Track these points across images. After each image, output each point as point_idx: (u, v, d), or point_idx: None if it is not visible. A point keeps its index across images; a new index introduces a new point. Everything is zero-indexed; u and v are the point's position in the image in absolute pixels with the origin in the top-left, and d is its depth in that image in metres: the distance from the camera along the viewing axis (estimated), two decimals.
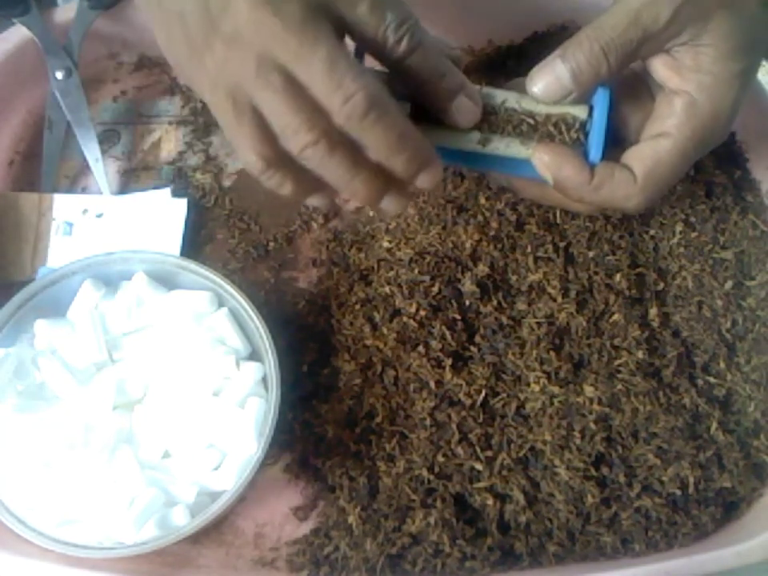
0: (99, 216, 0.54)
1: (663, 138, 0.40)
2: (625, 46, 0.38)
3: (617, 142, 0.42)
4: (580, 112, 0.40)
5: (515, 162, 0.41)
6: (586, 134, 0.40)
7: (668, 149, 0.39)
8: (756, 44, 0.39)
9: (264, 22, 0.34)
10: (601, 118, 0.39)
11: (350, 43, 0.37)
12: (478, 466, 0.45)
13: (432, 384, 0.47)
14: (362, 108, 0.34)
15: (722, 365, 0.48)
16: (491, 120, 0.40)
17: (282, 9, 0.34)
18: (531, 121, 0.40)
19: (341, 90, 0.34)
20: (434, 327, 0.48)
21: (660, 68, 0.40)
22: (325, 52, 0.34)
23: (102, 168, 0.55)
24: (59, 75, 0.56)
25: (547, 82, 0.39)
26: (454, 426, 0.46)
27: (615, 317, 0.48)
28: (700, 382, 0.48)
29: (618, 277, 0.49)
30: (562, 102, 0.39)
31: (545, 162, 0.40)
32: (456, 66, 0.39)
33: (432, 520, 0.44)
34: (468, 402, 0.46)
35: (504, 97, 0.40)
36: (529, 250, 0.50)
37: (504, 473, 0.45)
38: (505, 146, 0.40)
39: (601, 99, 0.40)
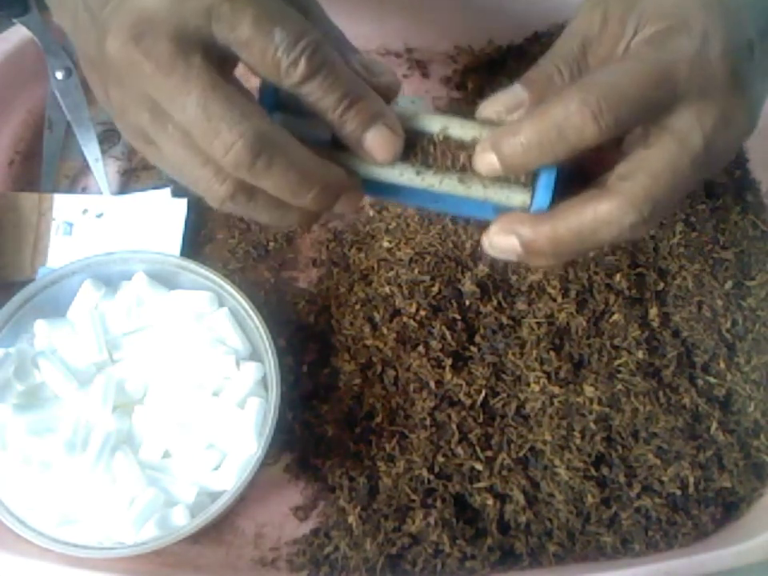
0: (99, 216, 0.54)
1: (647, 148, 0.33)
2: (569, 55, 0.34)
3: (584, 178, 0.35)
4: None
5: (454, 200, 0.35)
6: (534, 178, 0.34)
7: (657, 156, 0.32)
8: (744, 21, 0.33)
9: (136, 64, 0.30)
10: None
11: None
12: (478, 466, 0.45)
13: (432, 384, 0.47)
14: (245, 157, 0.30)
15: (722, 365, 0.48)
16: (425, 150, 0.34)
17: (151, 46, 0.30)
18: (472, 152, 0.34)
19: (218, 139, 0.30)
20: (434, 327, 0.48)
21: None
22: (196, 96, 0.30)
23: (102, 168, 0.55)
24: (59, 75, 0.56)
25: (503, 100, 0.34)
26: (453, 426, 0.46)
27: (615, 317, 0.48)
28: (700, 381, 0.48)
29: (617, 277, 0.49)
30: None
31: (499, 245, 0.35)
32: (389, 89, 0.34)
33: (432, 520, 0.44)
34: (468, 402, 0.46)
35: (443, 123, 0.34)
36: None
37: (504, 473, 0.45)
38: (439, 182, 0.34)
39: None
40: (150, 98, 0.31)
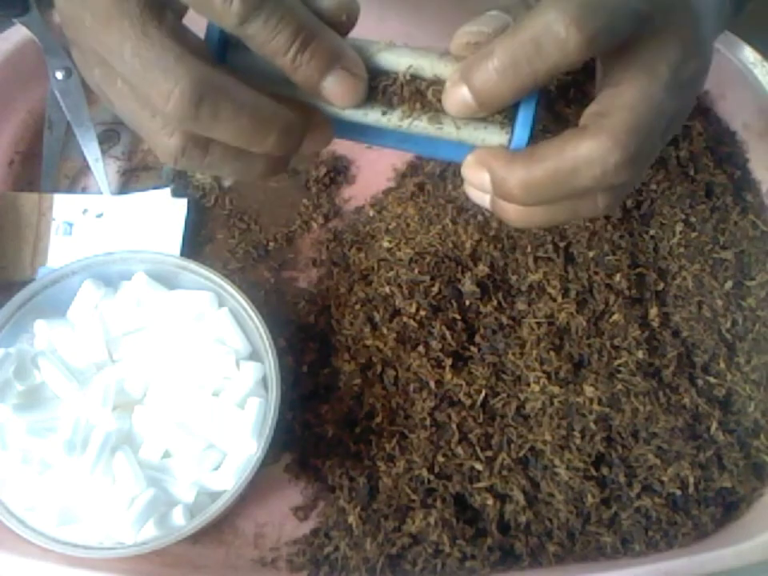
0: (99, 216, 0.54)
1: (617, 84, 0.30)
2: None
3: None
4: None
5: (426, 141, 0.33)
6: (513, 118, 0.32)
7: (629, 89, 0.30)
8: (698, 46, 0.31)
9: (77, 18, 0.29)
10: (531, 97, 0.31)
11: None
12: (478, 466, 0.45)
13: (432, 384, 0.47)
14: (186, 106, 0.28)
15: (722, 365, 0.48)
16: (391, 90, 0.32)
17: None
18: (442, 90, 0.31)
19: (155, 89, 0.28)
20: (434, 327, 0.48)
21: None
22: (130, 45, 0.28)
23: (102, 168, 0.55)
24: (59, 75, 0.56)
25: (484, 21, 0.31)
26: (453, 426, 0.46)
27: (615, 317, 0.48)
28: (700, 382, 0.48)
29: (617, 277, 0.49)
30: None
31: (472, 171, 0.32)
32: (344, 22, 0.31)
33: (432, 520, 0.44)
34: (468, 402, 0.46)
35: (411, 61, 0.32)
36: (529, 250, 0.50)
37: (504, 473, 0.45)
38: (408, 124, 0.32)
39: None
40: (97, 53, 0.29)
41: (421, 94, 0.32)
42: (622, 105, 0.30)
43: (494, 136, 0.32)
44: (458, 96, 0.30)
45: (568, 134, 0.30)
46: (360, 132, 0.33)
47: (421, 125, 0.32)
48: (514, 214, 0.33)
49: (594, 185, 0.30)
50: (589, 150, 0.29)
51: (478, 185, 0.32)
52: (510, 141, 0.32)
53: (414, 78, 0.32)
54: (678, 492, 0.45)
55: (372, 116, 0.32)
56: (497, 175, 0.31)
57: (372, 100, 0.32)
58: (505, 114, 0.32)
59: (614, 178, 0.30)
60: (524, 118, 0.31)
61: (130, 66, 0.28)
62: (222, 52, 0.32)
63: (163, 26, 0.29)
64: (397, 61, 0.32)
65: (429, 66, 0.32)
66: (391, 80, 0.32)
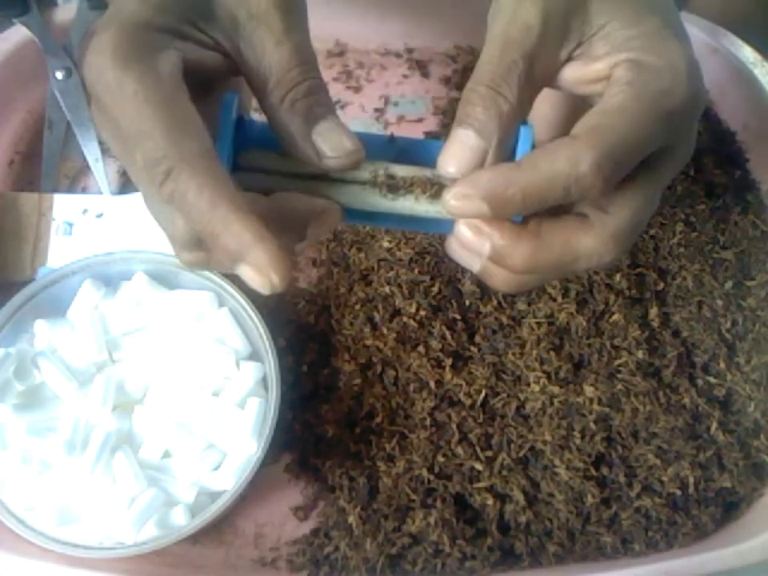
0: (99, 216, 0.54)
1: (604, 100, 0.30)
2: (512, 72, 0.30)
3: None
4: None
5: (430, 222, 0.34)
6: None
7: (619, 102, 0.30)
8: (654, 3, 0.32)
9: (92, 67, 0.30)
10: (524, 150, 0.32)
11: None
12: (478, 466, 0.45)
13: (432, 384, 0.47)
14: (181, 249, 0.31)
15: (722, 365, 0.48)
16: (391, 184, 0.32)
17: (94, 56, 0.29)
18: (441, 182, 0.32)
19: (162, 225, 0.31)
20: (434, 327, 0.48)
21: (575, 73, 0.32)
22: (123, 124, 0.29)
23: (102, 168, 0.55)
24: (59, 75, 0.56)
25: (459, 157, 0.31)
26: (454, 426, 0.46)
27: (615, 317, 0.48)
28: (700, 382, 0.48)
29: (617, 277, 0.49)
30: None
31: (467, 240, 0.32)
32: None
33: (432, 520, 0.44)
34: (468, 402, 0.46)
35: (406, 171, 0.33)
36: None
37: (504, 473, 0.45)
38: (411, 205, 0.32)
39: (522, 137, 0.32)
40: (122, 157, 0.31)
41: (421, 185, 0.32)
42: (627, 207, 0.31)
43: None
44: (472, 206, 0.30)
45: (573, 226, 0.32)
46: (368, 217, 0.34)
47: (422, 203, 0.33)
48: (502, 279, 0.33)
49: (588, 269, 0.33)
50: (592, 247, 0.31)
51: (475, 250, 0.32)
52: None
53: (413, 177, 0.33)
54: (678, 492, 0.45)
55: (382, 204, 0.33)
56: (500, 247, 0.31)
57: (382, 190, 0.33)
58: None
59: (606, 266, 0.33)
60: None
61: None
62: (234, 157, 0.33)
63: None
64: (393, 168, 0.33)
65: (424, 172, 0.33)
66: (392, 177, 0.33)
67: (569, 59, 0.32)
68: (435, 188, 0.32)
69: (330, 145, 0.30)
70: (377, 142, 0.34)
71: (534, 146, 0.32)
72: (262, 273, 0.29)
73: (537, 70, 0.31)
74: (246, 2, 0.30)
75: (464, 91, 0.31)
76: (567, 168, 0.29)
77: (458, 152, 0.31)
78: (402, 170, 0.33)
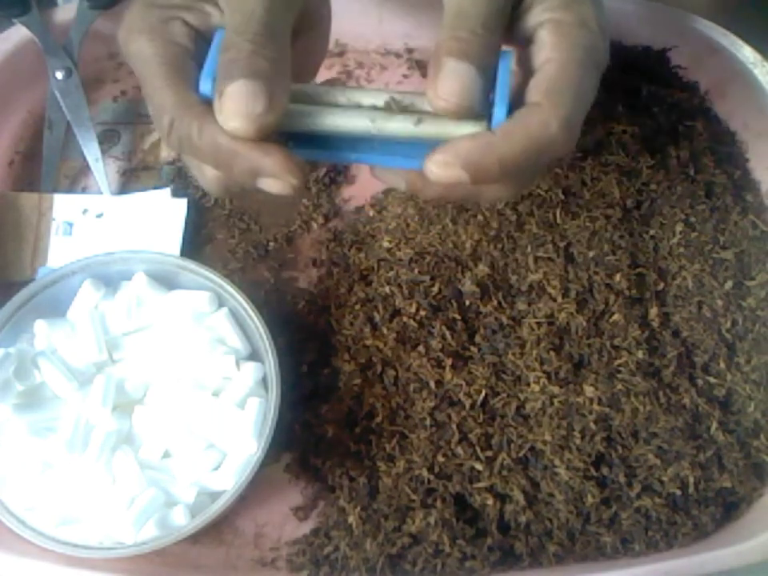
0: (99, 216, 0.54)
1: (547, 63, 0.34)
2: (486, 21, 0.33)
3: None
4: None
5: (391, 145, 0.34)
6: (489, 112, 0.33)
7: (556, 65, 0.33)
8: None
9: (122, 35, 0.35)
10: (504, 77, 0.33)
11: None
12: (478, 466, 0.45)
13: (432, 384, 0.47)
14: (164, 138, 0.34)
15: (722, 365, 0.48)
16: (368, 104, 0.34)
17: (124, 31, 0.35)
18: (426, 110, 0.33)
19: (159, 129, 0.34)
20: (434, 327, 0.48)
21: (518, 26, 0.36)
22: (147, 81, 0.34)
23: (102, 168, 0.55)
24: (59, 75, 0.56)
25: (457, 88, 0.32)
26: (454, 426, 0.46)
27: (615, 317, 0.48)
28: (700, 382, 0.48)
29: (617, 277, 0.49)
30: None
31: (444, 166, 0.33)
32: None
33: (432, 520, 0.44)
34: (468, 402, 0.46)
35: (387, 96, 0.34)
36: (529, 250, 0.50)
37: (504, 473, 0.45)
38: (395, 127, 0.33)
39: (502, 64, 0.34)
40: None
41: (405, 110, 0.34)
42: (552, 75, 0.33)
43: (470, 128, 0.33)
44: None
45: (533, 116, 0.33)
46: (322, 145, 0.35)
47: (400, 125, 0.33)
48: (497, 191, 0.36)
49: (548, 149, 0.33)
50: (551, 133, 0.33)
51: (454, 179, 0.33)
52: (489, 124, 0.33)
53: (394, 102, 0.34)
54: (678, 492, 0.45)
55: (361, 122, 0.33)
56: (477, 155, 0.32)
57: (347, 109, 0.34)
58: (480, 112, 0.33)
59: (561, 143, 0.33)
60: (499, 114, 0.33)
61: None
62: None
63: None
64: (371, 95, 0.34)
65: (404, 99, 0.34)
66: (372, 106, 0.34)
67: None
68: (417, 116, 0.33)
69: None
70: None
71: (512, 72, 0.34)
72: (281, 178, 0.33)
73: (501, 21, 0.34)
74: None
75: (443, 39, 0.33)
76: (539, 132, 0.32)
77: (453, 83, 0.32)
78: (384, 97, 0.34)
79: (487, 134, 0.32)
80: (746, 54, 0.56)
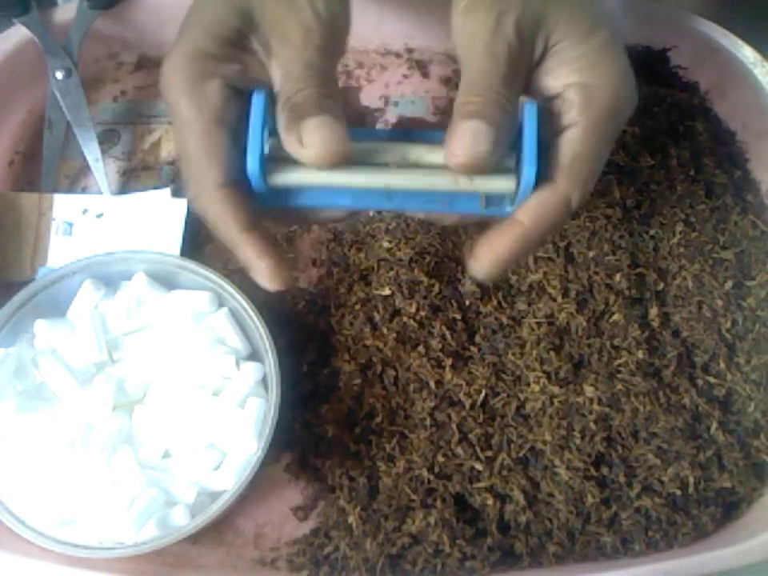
0: (99, 216, 0.54)
1: (570, 129, 0.35)
2: (505, 80, 0.34)
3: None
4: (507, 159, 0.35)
5: (444, 196, 0.37)
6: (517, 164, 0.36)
7: (580, 135, 0.35)
8: (600, 16, 0.37)
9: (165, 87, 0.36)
10: (531, 132, 0.34)
11: None
12: (478, 466, 0.45)
13: (432, 384, 0.47)
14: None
15: (722, 365, 0.48)
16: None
17: (165, 77, 0.36)
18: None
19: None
20: (433, 327, 0.48)
21: (536, 85, 0.37)
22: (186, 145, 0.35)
23: (102, 168, 0.55)
24: (59, 75, 0.56)
25: (473, 147, 0.33)
26: (454, 426, 0.46)
27: (615, 317, 0.48)
28: (700, 382, 0.48)
29: (617, 277, 0.49)
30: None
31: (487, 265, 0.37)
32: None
33: (432, 520, 0.44)
34: (468, 402, 0.46)
35: (405, 151, 0.35)
36: None
37: (504, 473, 0.45)
38: (442, 183, 0.35)
39: (528, 113, 0.35)
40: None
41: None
42: (573, 147, 0.35)
43: (503, 183, 0.35)
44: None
45: (556, 198, 0.35)
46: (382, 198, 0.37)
47: (442, 180, 0.35)
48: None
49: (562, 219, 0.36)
50: (552, 202, 0.35)
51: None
52: (518, 185, 0.35)
53: (409, 163, 0.36)
54: (678, 492, 0.45)
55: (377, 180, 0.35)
56: (512, 251, 0.36)
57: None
58: (510, 167, 0.35)
59: (573, 209, 0.36)
60: (529, 174, 0.34)
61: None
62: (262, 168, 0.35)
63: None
64: (387, 150, 0.36)
65: (423, 153, 0.36)
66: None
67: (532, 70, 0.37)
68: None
69: (309, 139, 0.33)
70: (383, 137, 0.37)
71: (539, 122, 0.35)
72: (264, 280, 0.36)
73: (519, 79, 0.35)
74: (280, 26, 0.35)
75: (459, 102, 0.34)
76: (561, 211, 0.35)
77: (465, 140, 0.33)
78: (414, 153, 0.35)
79: (517, 226, 0.35)
80: (746, 53, 0.56)
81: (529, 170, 0.34)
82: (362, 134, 0.36)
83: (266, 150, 0.35)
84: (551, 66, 0.36)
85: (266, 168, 0.35)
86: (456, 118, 0.34)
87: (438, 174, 0.35)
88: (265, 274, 0.36)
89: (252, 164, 0.34)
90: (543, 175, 0.35)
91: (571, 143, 0.35)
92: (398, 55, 0.63)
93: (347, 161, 0.34)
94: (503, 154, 0.34)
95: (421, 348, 0.48)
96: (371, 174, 0.35)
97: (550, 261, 0.50)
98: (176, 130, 0.36)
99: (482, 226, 0.51)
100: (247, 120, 0.34)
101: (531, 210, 0.35)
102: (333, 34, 0.35)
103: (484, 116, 0.33)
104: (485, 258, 0.36)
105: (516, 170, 0.35)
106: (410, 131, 0.37)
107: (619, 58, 0.36)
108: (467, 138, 0.33)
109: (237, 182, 0.35)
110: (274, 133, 0.35)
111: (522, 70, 0.35)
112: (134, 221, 0.54)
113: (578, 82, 0.35)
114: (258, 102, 0.34)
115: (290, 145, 0.34)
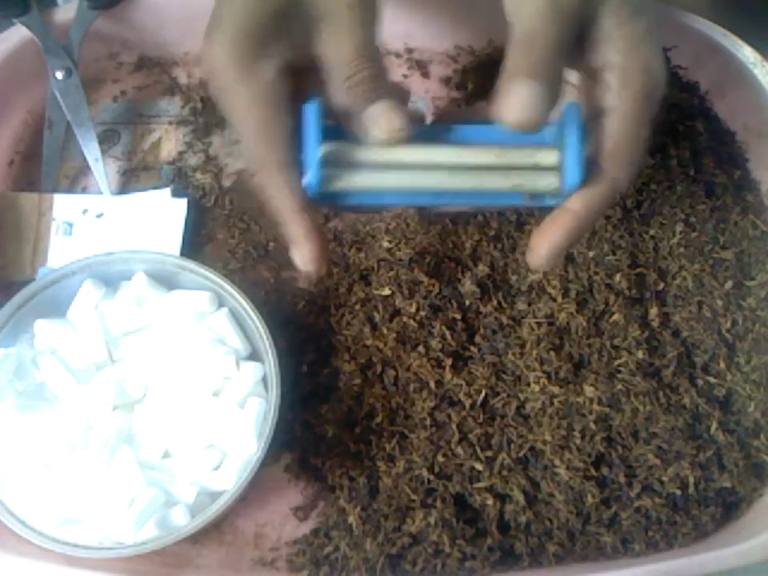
0: (99, 216, 0.54)
1: (609, 114, 0.37)
2: (554, 43, 0.35)
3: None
4: (550, 156, 0.37)
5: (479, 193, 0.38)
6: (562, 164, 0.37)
7: (619, 120, 0.37)
8: (643, 4, 0.38)
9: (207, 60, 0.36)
10: (573, 132, 0.36)
11: None
12: (478, 466, 0.45)
13: (432, 384, 0.47)
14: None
15: (722, 365, 0.48)
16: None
17: (217, 55, 0.35)
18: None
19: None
20: (434, 327, 0.48)
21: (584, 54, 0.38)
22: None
23: (102, 168, 0.55)
24: (59, 75, 0.56)
25: (525, 107, 0.34)
26: (454, 426, 0.46)
27: (615, 317, 0.48)
28: (700, 382, 0.48)
29: (617, 277, 0.49)
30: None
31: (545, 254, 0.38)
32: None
33: (432, 520, 0.44)
34: (468, 402, 0.46)
35: (454, 152, 0.37)
36: None
37: (504, 473, 0.45)
38: (493, 181, 0.37)
39: (568, 113, 0.36)
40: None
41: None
42: (613, 133, 0.37)
43: (549, 180, 0.37)
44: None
45: (605, 182, 0.37)
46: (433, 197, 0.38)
47: (491, 181, 0.37)
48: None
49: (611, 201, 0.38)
50: (621, 187, 0.37)
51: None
52: (562, 181, 0.36)
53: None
54: (678, 492, 0.45)
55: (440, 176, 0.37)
56: (567, 239, 0.38)
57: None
58: (554, 164, 0.37)
59: (621, 191, 0.38)
60: (574, 175, 0.36)
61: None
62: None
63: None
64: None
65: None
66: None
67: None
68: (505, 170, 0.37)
69: (377, 121, 0.35)
70: (435, 132, 0.38)
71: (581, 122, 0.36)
72: (304, 260, 0.38)
73: (568, 46, 0.36)
74: (324, 3, 0.35)
75: (514, 58, 0.35)
76: (610, 195, 0.37)
77: (523, 98, 0.34)
78: (463, 154, 0.37)
79: (569, 215, 0.37)
80: (746, 53, 0.56)
81: (573, 171, 0.36)
82: (420, 133, 0.37)
83: (320, 155, 0.36)
84: (594, 40, 0.37)
85: (321, 176, 0.36)
86: (511, 74, 0.34)
87: (487, 175, 0.36)
88: (307, 255, 0.37)
89: (311, 177, 0.35)
90: (587, 162, 0.36)
91: (612, 128, 0.36)
92: (397, 55, 0.63)
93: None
94: (548, 118, 0.35)
95: (421, 348, 0.48)
96: (423, 176, 0.36)
97: None
98: (232, 113, 0.36)
99: (483, 227, 0.51)
100: (299, 128, 0.35)
101: (581, 198, 0.37)
102: (371, 5, 0.37)
103: (538, 76, 0.34)
104: (542, 249, 0.38)
105: (559, 167, 0.37)
106: (452, 126, 0.38)
107: (656, 43, 0.37)
108: (523, 95, 0.34)
109: (294, 162, 0.36)
110: (326, 138, 0.36)
111: (571, 36, 0.36)
112: (134, 221, 0.54)
113: (617, 62, 0.37)
114: (310, 112, 0.35)
115: (355, 126, 0.36)
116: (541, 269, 0.40)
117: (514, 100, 0.34)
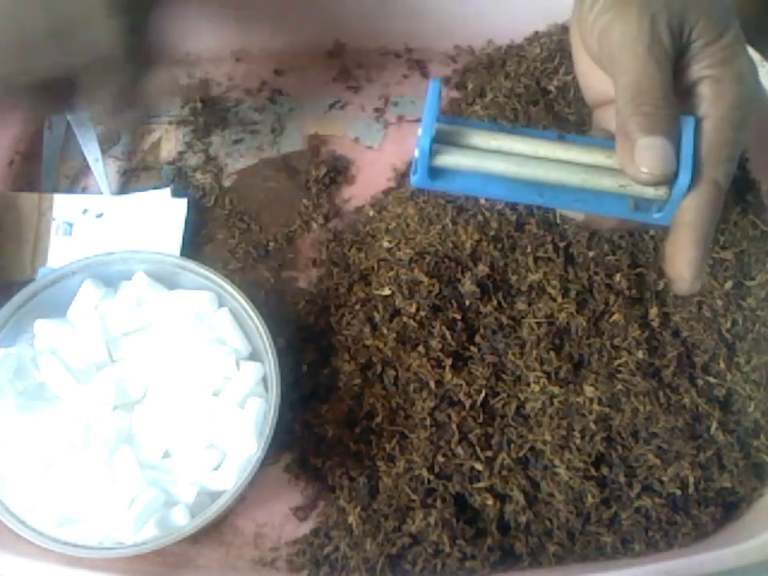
0: (99, 216, 0.54)
1: (702, 121, 0.38)
2: (665, 88, 0.37)
3: None
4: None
5: (590, 196, 0.39)
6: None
7: (713, 126, 0.38)
8: (731, 12, 0.39)
9: None
10: (688, 142, 0.37)
11: None
12: (478, 466, 0.45)
13: (432, 384, 0.47)
14: None
15: (722, 365, 0.48)
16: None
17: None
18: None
19: None
20: (434, 327, 0.48)
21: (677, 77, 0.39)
22: None
23: (102, 168, 0.55)
24: None
25: (657, 162, 0.36)
26: (453, 426, 0.46)
27: (615, 317, 0.48)
28: (700, 382, 0.48)
29: (617, 277, 0.49)
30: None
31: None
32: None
33: (432, 520, 0.44)
34: (468, 402, 0.46)
35: (562, 148, 0.39)
36: (529, 250, 0.50)
37: (504, 473, 0.45)
38: (604, 184, 0.38)
39: (685, 127, 0.38)
40: None
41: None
42: (708, 140, 0.38)
43: (660, 188, 0.38)
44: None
45: (713, 192, 0.38)
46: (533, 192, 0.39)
47: (599, 179, 0.38)
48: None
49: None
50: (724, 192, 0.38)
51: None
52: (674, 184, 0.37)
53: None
54: (678, 492, 0.45)
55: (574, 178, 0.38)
56: (701, 255, 0.39)
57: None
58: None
59: (725, 189, 0.39)
60: (684, 180, 0.37)
61: None
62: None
63: None
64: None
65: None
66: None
67: None
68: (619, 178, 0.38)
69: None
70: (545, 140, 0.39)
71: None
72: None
73: (673, 89, 0.37)
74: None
75: (629, 115, 0.37)
76: (718, 197, 0.38)
77: (653, 157, 0.36)
78: (571, 152, 0.38)
79: (693, 230, 0.38)
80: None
81: (684, 177, 0.36)
82: (524, 131, 0.39)
83: (433, 131, 0.37)
84: (686, 62, 0.38)
85: (432, 149, 0.37)
86: (632, 130, 0.36)
87: (594, 172, 0.37)
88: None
89: (423, 142, 0.36)
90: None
91: (706, 135, 0.37)
92: (397, 55, 0.63)
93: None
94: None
95: (421, 348, 0.48)
96: (530, 165, 0.37)
97: (550, 261, 0.50)
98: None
99: (483, 227, 0.51)
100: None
101: (693, 209, 0.37)
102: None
103: (664, 131, 0.36)
104: (687, 274, 0.38)
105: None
106: (564, 135, 0.40)
107: (745, 52, 0.39)
108: (654, 157, 0.36)
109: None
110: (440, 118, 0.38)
111: (671, 78, 0.37)
112: (134, 221, 0.54)
113: (710, 75, 0.38)
114: (434, 89, 0.37)
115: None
116: (694, 291, 0.40)
117: (647, 162, 0.36)
